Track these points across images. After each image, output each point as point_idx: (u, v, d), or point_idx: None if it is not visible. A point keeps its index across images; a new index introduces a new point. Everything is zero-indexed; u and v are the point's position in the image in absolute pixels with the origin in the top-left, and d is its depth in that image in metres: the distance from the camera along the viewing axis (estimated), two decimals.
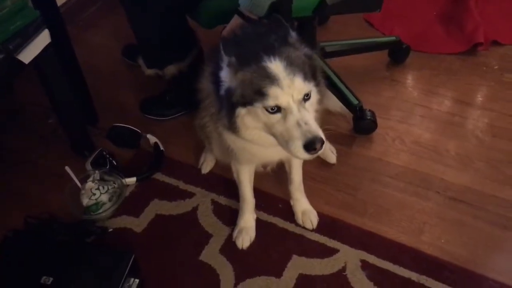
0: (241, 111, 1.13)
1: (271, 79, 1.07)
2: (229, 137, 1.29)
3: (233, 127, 1.17)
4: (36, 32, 1.46)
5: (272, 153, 1.31)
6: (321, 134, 1.08)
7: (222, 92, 1.15)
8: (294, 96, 1.08)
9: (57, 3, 1.70)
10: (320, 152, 1.11)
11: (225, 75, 1.14)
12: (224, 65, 1.14)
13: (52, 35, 1.51)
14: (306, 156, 1.09)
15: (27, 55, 1.45)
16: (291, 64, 1.08)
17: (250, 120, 1.14)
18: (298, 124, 1.07)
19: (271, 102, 1.07)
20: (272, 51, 1.09)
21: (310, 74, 1.12)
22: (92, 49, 2.32)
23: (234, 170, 1.53)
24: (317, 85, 1.16)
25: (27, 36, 1.44)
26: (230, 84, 1.13)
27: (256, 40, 1.16)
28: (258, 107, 1.10)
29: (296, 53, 1.13)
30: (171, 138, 1.92)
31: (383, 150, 1.84)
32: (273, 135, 1.14)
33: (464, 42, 2.25)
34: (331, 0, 1.61)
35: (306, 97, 1.11)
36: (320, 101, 1.21)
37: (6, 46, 1.39)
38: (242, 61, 1.10)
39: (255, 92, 1.08)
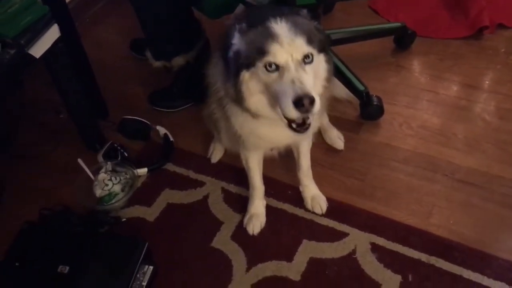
0: (245, 75, 1.14)
1: (273, 37, 1.08)
2: (236, 120, 1.31)
3: (238, 96, 1.18)
4: (45, 27, 1.49)
5: (278, 135, 1.31)
6: (314, 94, 1.06)
7: (231, 54, 1.16)
8: (293, 55, 1.08)
9: None
10: (313, 113, 1.08)
11: (235, 39, 1.15)
12: (235, 32, 1.15)
13: (61, 30, 1.54)
14: (295, 113, 1.07)
15: (38, 49, 1.48)
16: (295, 26, 1.09)
17: (253, 84, 1.15)
18: (293, 81, 1.06)
19: (270, 58, 1.08)
20: (280, 15, 1.11)
21: (317, 43, 1.12)
22: (100, 44, 2.35)
23: (243, 158, 1.55)
24: (327, 59, 1.17)
25: (37, 31, 1.47)
26: (239, 46, 1.14)
27: (268, 10, 1.19)
28: (259, 67, 1.11)
29: (305, 21, 1.15)
30: (180, 129, 1.94)
31: (391, 135, 1.85)
32: (272, 96, 1.14)
33: (469, 26, 2.25)
34: None
35: (307, 60, 1.10)
36: (330, 73, 1.20)
37: (17, 41, 1.42)
38: (251, 24, 1.13)
39: (257, 50, 1.10)
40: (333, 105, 1.88)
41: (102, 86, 1.97)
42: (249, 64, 1.12)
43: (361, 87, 1.86)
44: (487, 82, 2.06)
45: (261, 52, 1.09)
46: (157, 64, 1.93)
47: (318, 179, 1.67)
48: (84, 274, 1.42)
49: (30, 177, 1.82)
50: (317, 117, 1.46)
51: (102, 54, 2.26)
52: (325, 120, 1.82)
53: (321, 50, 1.15)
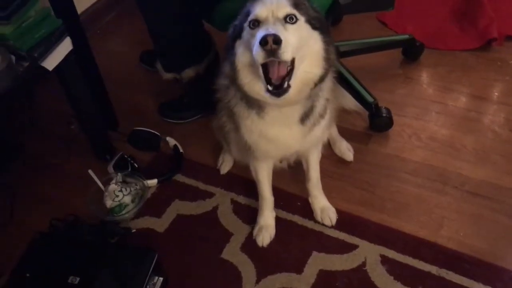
0: (237, 45, 1.17)
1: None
2: (245, 124, 1.32)
3: (233, 69, 1.19)
4: (58, 40, 1.52)
5: (286, 138, 1.32)
6: (280, 35, 1.03)
7: (231, 30, 1.21)
8: (274, 12, 1.09)
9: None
10: (280, 55, 1.04)
11: (236, 20, 1.20)
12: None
13: (73, 42, 1.56)
14: (259, 54, 1.04)
15: (51, 62, 1.51)
16: None
17: (243, 52, 1.16)
18: (266, 28, 1.06)
19: (252, 16, 1.11)
20: None
21: (307, 14, 1.13)
22: (110, 56, 2.37)
23: (252, 169, 1.55)
24: (325, 40, 1.17)
25: (50, 44, 1.50)
26: (236, 22, 1.20)
27: None
28: (245, 29, 1.13)
29: None
30: (189, 140, 1.95)
31: (400, 146, 1.85)
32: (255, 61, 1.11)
33: (478, 38, 2.26)
34: (344, 0, 1.64)
35: (290, 21, 1.10)
36: (329, 53, 1.18)
37: (31, 54, 1.45)
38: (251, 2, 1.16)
39: (246, 14, 1.14)
40: (342, 116, 1.89)
41: (113, 98, 1.99)
42: (240, 31, 1.16)
43: (370, 99, 1.87)
44: (496, 93, 2.06)
45: (248, 13, 1.13)
46: (168, 76, 1.95)
47: (328, 191, 1.67)
48: (94, 285, 1.42)
49: (41, 187, 1.84)
50: (327, 128, 1.48)
51: (113, 66, 2.28)
52: (334, 131, 1.82)
53: (314, 26, 1.15)
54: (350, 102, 1.93)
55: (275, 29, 1.06)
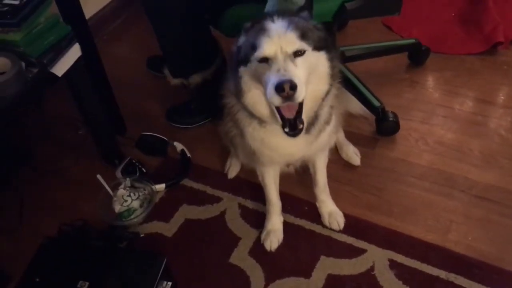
0: (242, 70, 1.18)
1: (265, 31, 1.12)
2: (247, 131, 1.33)
3: (238, 90, 1.21)
4: (67, 46, 1.53)
5: (288, 146, 1.33)
6: (295, 79, 1.06)
7: (234, 51, 1.22)
8: (282, 48, 1.10)
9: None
10: (295, 99, 1.08)
11: (240, 38, 1.21)
12: (242, 29, 1.21)
13: (82, 48, 1.57)
14: (275, 98, 1.08)
15: (60, 68, 1.52)
16: (290, 23, 1.12)
17: (249, 79, 1.18)
18: (278, 70, 1.08)
19: (260, 52, 1.11)
20: (278, 15, 1.15)
21: (314, 40, 1.14)
22: (118, 61, 2.38)
23: (259, 174, 1.56)
24: (330, 57, 1.19)
25: (59, 50, 1.51)
26: (240, 43, 1.20)
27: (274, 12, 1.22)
28: (252, 62, 1.14)
29: (301, 20, 1.18)
30: (197, 145, 1.96)
31: (407, 150, 1.85)
32: (263, 86, 1.15)
33: (484, 42, 2.26)
34: (351, 5, 1.64)
35: (299, 54, 1.11)
36: (334, 70, 1.21)
37: (41, 60, 1.46)
38: (253, 24, 1.18)
39: (251, 46, 1.13)
40: (348, 120, 1.89)
41: (120, 103, 2.00)
42: (246, 60, 1.16)
43: (377, 103, 1.88)
44: (503, 97, 2.06)
45: (254, 47, 1.12)
46: (175, 81, 1.96)
47: (335, 195, 1.68)
48: None
49: (50, 192, 1.85)
50: (333, 133, 1.48)
51: (120, 71, 2.29)
52: (341, 136, 1.83)
53: (320, 47, 1.16)
54: (356, 106, 1.94)
55: (288, 69, 1.08)
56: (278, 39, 1.10)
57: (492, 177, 1.73)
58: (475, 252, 1.52)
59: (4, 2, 1.42)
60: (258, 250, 1.60)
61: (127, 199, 1.71)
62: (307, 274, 1.51)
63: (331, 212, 1.64)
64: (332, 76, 1.21)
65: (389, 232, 1.60)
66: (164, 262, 1.48)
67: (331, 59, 1.19)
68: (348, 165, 1.82)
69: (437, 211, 1.65)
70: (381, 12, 1.82)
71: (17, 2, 1.42)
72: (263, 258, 1.57)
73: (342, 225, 1.62)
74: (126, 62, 2.44)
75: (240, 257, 1.58)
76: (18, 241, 1.69)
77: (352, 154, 1.83)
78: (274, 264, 1.56)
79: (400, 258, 1.52)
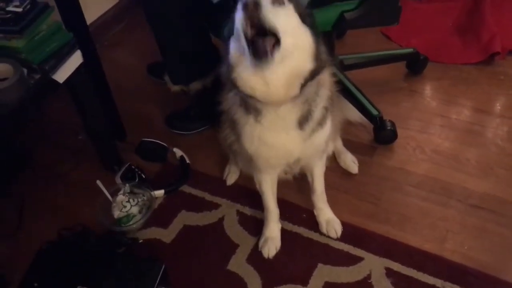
0: (231, 42, 1.16)
1: None
2: (245, 131, 1.33)
3: (228, 66, 1.19)
4: (69, 53, 1.55)
5: (285, 144, 1.33)
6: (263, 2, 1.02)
7: (226, 34, 1.19)
8: None
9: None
10: (261, 17, 1.03)
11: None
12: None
13: (83, 55, 1.59)
14: (242, 22, 1.04)
15: (62, 75, 1.53)
16: None
17: (235, 52, 1.15)
18: None
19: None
20: None
21: (300, 9, 1.13)
22: (118, 67, 2.40)
23: (256, 181, 1.57)
24: (315, 39, 1.16)
25: (61, 57, 1.52)
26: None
27: None
28: (236, 19, 1.09)
29: None
30: (196, 151, 1.97)
31: (404, 159, 1.87)
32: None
33: (481, 52, 2.28)
34: (350, 15, 1.66)
35: (278, 3, 1.07)
36: (317, 58, 1.16)
37: (42, 67, 1.47)
38: None
39: (235, 9, 1.09)
40: (346, 129, 1.90)
41: (120, 108, 2.01)
42: (232, 26, 1.13)
43: (375, 112, 1.89)
44: (499, 107, 2.08)
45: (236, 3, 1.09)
46: (175, 88, 1.97)
47: (333, 203, 1.69)
48: None
49: (49, 197, 1.86)
50: (331, 140, 1.49)
51: (120, 77, 2.31)
52: (339, 144, 1.84)
53: (304, 21, 1.14)
54: (354, 114, 1.95)
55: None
56: None
57: (489, 186, 1.75)
58: (471, 261, 1.53)
59: (7, 9, 1.44)
60: (256, 257, 1.61)
61: (126, 205, 1.72)
62: (304, 282, 1.52)
63: (329, 220, 1.65)
64: (318, 58, 1.17)
65: (386, 240, 1.61)
66: (162, 268, 1.49)
67: (315, 41, 1.16)
68: (346, 173, 1.83)
69: (434, 220, 1.66)
70: (379, 22, 1.83)
71: (19, 10, 1.44)
72: (261, 265, 1.58)
73: (339, 233, 1.63)
74: (127, 68, 2.45)
75: (238, 264, 1.59)
76: (17, 246, 1.69)
77: (350, 162, 1.84)
78: (271, 271, 1.56)
79: (396, 267, 1.53)
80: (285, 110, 1.24)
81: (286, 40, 1.09)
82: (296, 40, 1.13)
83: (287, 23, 1.10)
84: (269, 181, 1.56)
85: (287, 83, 1.15)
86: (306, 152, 1.42)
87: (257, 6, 1.03)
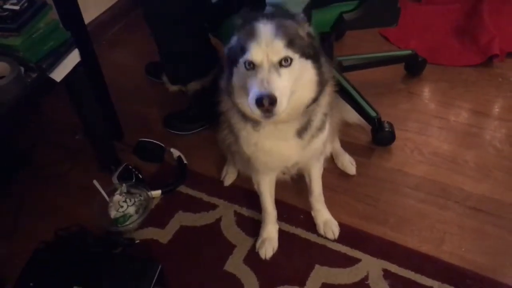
0: (234, 71, 1.17)
1: (254, 35, 1.10)
2: (242, 136, 1.33)
3: (228, 88, 1.21)
4: (67, 51, 1.54)
5: (282, 150, 1.33)
6: (278, 95, 1.06)
7: (226, 51, 1.20)
8: (269, 56, 1.09)
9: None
10: (274, 114, 1.08)
11: (232, 37, 1.19)
12: (234, 26, 1.19)
13: (81, 54, 1.58)
14: (256, 111, 1.08)
15: (59, 73, 1.53)
16: (279, 28, 1.11)
17: (238, 78, 1.17)
18: (261, 81, 1.08)
19: (248, 57, 1.10)
20: (270, 16, 1.14)
21: (301, 48, 1.13)
22: (116, 67, 2.39)
23: (254, 182, 1.57)
24: (317, 65, 1.17)
25: (58, 56, 1.52)
26: (232, 42, 1.18)
27: (267, 11, 1.22)
28: (241, 64, 1.13)
29: (295, 26, 1.16)
30: (194, 151, 1.97)
31: (402, 161, 1.87)
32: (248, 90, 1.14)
33: (479, 54, 2.28)
34: (349, 16, 1.66)
35: (285, 64, 1.10)
36: (321, 77, 1.19)
37: (40, 65, 1.46)
38: (245, 22, 1.16)
39: (241, 48, 1.12)
40: (345, 130, 1.90)
41: (118, 108, 2.01)
42: (235, 61, 1.15)
43: (373, 113, 1.89)
44: (497, 109, 2.08)
45: (243, 50, 1.11)
46: (173, 88, 1.97)
47: (330, 204, 1.68)
48: None
49: (46, 197, 1.85)
50: (328, 141, 1.49)
51: (118, 76, 2.30)
52: (337, 145, 1.84)
53: (307, 55, 1.15)
54: (353, 115, 1.95)
55: (270, 81, 1.07)
56: (266, 47, 1.09)
57: (487, 188, 1.74)
58: (468, 263, 1.53)
59: (4, 7, 1.43)
60: (253, 258, 1.60)
61: (123, 205, 1.71)
62: (301, 283, 1.52)
63: (326, 221, 1.65)
64: (320, 83, 1.19)
65: (383, 242, 1.61)
66: (158, 269, 1.48)
67: (318, 67, 1.18)
68: (343, 175, 1.83)
69: (432, 221, 1.66)
70: (378, 23, 1.83)
71: (17, 8, 1.43)
72: (258, 266, 1.58)
73: (337, 234, 1.63)
74: (125, 68, 2.45)
75: (235, 265, 1.59)
76: (13, 246, 1.68)
77: (348, 164, 1.84)
78: (268, 272, 1.56)
79: (394, 268, 1.53)
80: (284, 124, 1.25)
81: (292, 96, 1.12)
82: (299, 81, 1.14)
83: (293, 77, 1.12)
84: (267, 182, 1.56)
85: (291, 112, 1.18)
86: (304, 157, 1.42)
87: (272, 103, 1.06)
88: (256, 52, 1.09)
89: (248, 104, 1.11)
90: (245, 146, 1.36)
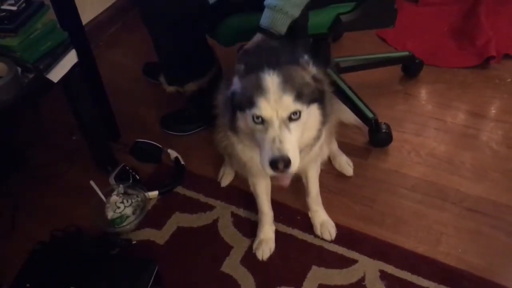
0: (238, 115, 1.18)
1: (262, 90, 1.10)
2: (238, 147, 1.33)
3: (233, 128, 1.23)
4: (64, 52, 1.54)
5: None
6: (291, 156, 1.09)
7: (229, 94, 1.21)
8: (278, 112, 1.09)
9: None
10: (288, 173, 1.12)
11: (234, 81, 1.19)
12: (235, 73, 1.19)
13: (78, 55, 1.58)
14: (269, 172, 1.10)
15: (56, 74, 1.53)
16: (287, 81, 1.10)
17: (243, 124, 1.18)
18: (274, 140, 1.09)
19: (256, 112, 1.10)
20: (274, 66, 1.12)
21: (309, 96, 1.14)
22: (114, 68, 2.39)
23: (250, 184, 1.56)
24: (322, 106, 1.18)
25: (56, 56, 1.52)
26: (235, 89, 1.18)
27: (269, 54, 1.19)
28: (248, 115, 1.13)
29: (301, 73, 1.16)
30: (191, 152, 1.97)
31: (399, 162, 1.87)
32: (257, 142, 1.17)
33: (476, 56, 2.29)
34: (346, 17, 1.66)
35: (294, 117, 1.11)
36: (323, 123, 1.22)
37: (37, 66, 1.47)
38: (248, 69, 1.16)
39: (247, 99, 1.12)
40: (342, 131, 1.90)
41: (115, 109, 2.01)
42: (241, 109, 1.16)
43: (370, 115, 1.89)
44: (494, 111, 2.09)
45: (251, 102, 1.11)
46: (170, 89, 1.97)
47: (327, 205, 1.69)
48: None
49: (43, 198, 1.85)
50: (326, 144, 1.48)
51: (116, 77, 2.30)
52: (334, 146, 1.84)
53: (314, 100, 1.16)
54: (350, 116, 1.95)
55: (283, 139, 1.09)
56: (275, 103, 1.09)
57: (483, 190, 1.75)
58: (465, 264, 1.53)
59: (1, 7, 1.44)
60: (250, 259, 1.60)
61: (120, 206, 1.71)
62: (298, 284, 1.52)
63: (323, 222, 1.65)
64: (324, 122, 1.22)
65: (380, 243, 1.61)
66: (155, 270, 1.48)
67: (323, 107, 1.19)
68: (341, 176, 1.83)
69: (428, 222, 1.66)
70: (375, 25, 1.84)
71: (14, 8, 1.43)
72: (255, 267, 1.58)
73: (333, 235, 1.63)
74: (122, 69, 2.45)
75: (232, 266, 1.59)
76: (10, 246, 1.68)
77: (345, 165, 1.84)
78: (265, 273, 1.56)
79: (391, 269, 1.53)
80: None
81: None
82: (305, 126, 1.16)
83: (301, 128, 1.14)
84: (264, 185, 1.55)
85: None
86: (303, 164, 1.41)
87: (287, 166, 1.09)
88: (265, 108, 1.09)
89: (260, 161, 1.13)
90: (242, 155, 1.36)
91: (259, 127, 1.13)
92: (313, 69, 1.19)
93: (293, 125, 1.12)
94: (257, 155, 1.26)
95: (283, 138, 1.09)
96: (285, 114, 1.10)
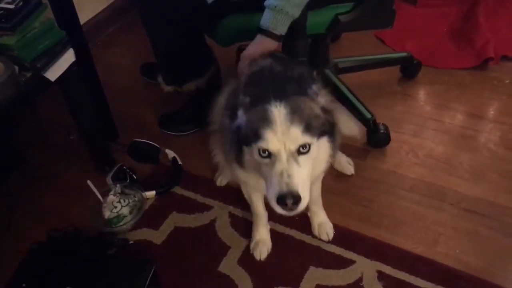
0: (245, 150, 1.14)
1: (268, 122, 1.05)
2: (236, 170, 1.29)
3: (238, 160, 1.19)
4: (61, 51, 1.54)
5: None
6: (300, 192, 1.03)
7: (234, 127, 1.15)
8: (286, 145, 1.05)
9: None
10: (298, 211, 1.06)
11: (239, 114, 1.14)
12: (239, 106, 1.14)
13: (76, 54, 1.58)
14: (277, 209, 1.06)
15: (53, 73, 1.52)
16: (294, 113, 1.05)
17: (249, 159, 1.15)
18: (281, 174, 1.04)
19: (263, 145, 1.05)
20: (281, 97, 1.07)
21: (318, 129, 1.09)
22: (111, 67, 2.39)
23: (244, 192, 1.54)
24: (332, 139, 1.15)
25: (53, 55, 1.51)
26: (240, 121, 1.13)
27: (275, 83, 1.14)
28: (254, 149, 1.09)
29: (309, 104, 1.11)
30: (189, 152, 1.96)
31: (397, 163, 1.87)
32: (264, 177, 1.12)
33: (474, 57, 2.29)
34: (344, 17, 1.66)
35: (303, 150, 1.07)
36: (334, 149, 1.18)
37: (34, 64, 1.46)
38: (253, 102, 1.10)
39: (253, 132, 1.07)
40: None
41: (113, 109, 2.00)
42: (247, 143, 1.11)
43: (369, 115, 1.89)
44: (492, 112, 2.09)
45: (257, 135, 1.06)
46: (168, 88, 1.97)
47: (326, 205, 1.68)
48: None
49: (39, 197, 1.84)
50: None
51: (113, 77, 2.30)
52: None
53: (324, 133, 1.12)
54: (345, 129, 1.90)
55: (291, 174, 1.04)
56: (282, 135, 1.04)
57: (481, 190, 1.75)
58: (463, 265, 1.53)
59: None
60: (247, 259, 1.59)
61: (117, 206, 1.71)
62: (295, 284, 1.51)
63: (321, 223, 1.64)
64: (333, 155, 1.18)
65: (378, 243, 1.60)
66: (152, 270, 1.48)
67: (333, 140, 1.15)
68: (339, 176, 1.83)
69: (426, 223, 1.66)
70: (374, 25, 1.84)
71: (12, 6, 1.42)
72: (252, 268, 1.57)
73: (331, 235, 1.62)
74: (120, 68, 2.44)
75: (229, 266, 1.58)
76: (6, 246, 1.67)
77: (346, 164, 1.83)
78: (263, 273, 1.55)
79: (388, 270, 1.52)
80: None
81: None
82: (315, 159, 1.12)
83: (311, 162, 1.09)
84: (259, 195, 1.52)
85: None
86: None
87: (296, 202, 1.04)
88: (272, 141, 1.05)
89: (267, 196, 1.08)
90: (238, 175, 1.33)
91: (266, 161, 1.08)
92: (322, 100, 1.14)
93: (302, 159, 1.06)
94: (254, 176, 1.24)
95: (291, 172, 1.04)
96: (293, 147, 1.05)
